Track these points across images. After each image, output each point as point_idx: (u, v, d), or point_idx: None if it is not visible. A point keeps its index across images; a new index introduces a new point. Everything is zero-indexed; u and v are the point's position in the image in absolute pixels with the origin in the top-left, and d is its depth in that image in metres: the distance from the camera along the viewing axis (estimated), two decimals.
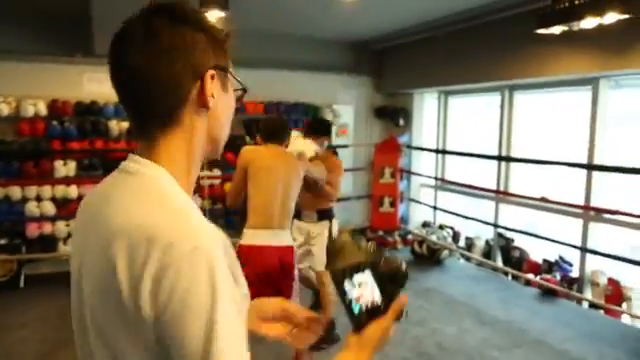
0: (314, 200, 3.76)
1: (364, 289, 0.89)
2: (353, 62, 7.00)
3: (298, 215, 3.78)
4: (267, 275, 2.79)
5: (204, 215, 0.77)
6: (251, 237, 2.83)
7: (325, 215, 3.89)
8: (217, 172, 5.94)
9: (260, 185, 2.86)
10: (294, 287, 2.93)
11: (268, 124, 3.11)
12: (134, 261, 0.69)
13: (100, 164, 5.51)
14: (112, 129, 5.55)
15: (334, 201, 3.95)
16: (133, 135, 0.87)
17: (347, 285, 0.88)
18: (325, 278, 3.68)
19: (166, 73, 0.78)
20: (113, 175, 0.85)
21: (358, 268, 0.90)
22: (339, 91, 6.94)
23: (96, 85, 5.59)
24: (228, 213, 5.95)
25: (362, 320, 0.88)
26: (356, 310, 0.88)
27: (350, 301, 0.88)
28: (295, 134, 3.63)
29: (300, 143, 3.59)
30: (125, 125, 5.58)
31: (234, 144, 5.60)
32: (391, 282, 0.91)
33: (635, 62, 3.97)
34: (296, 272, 2.97)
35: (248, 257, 2.74)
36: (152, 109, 0.80)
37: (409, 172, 6.98)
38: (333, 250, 0.92)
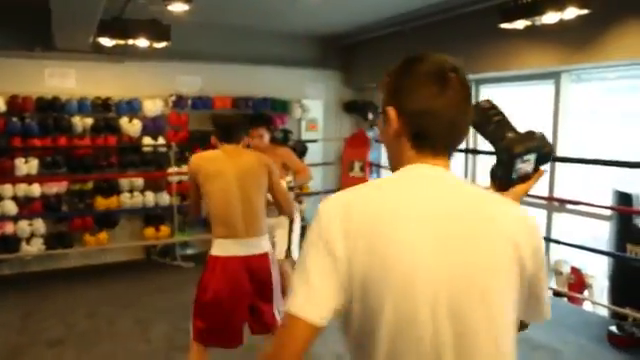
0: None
1: (527, 165, 1.19)
2: (322, 56, 6.99)
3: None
4: (238, 289, 2.63)
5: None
6: (218, 248, 2.67)
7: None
8: (186, 168, 5.84)
9: (214, 193, 2.64)
10: (274, 295, 2.75)
11: (221, 122, 2.83)
12: (531, 240, 0.99)
13: (64, 162, 5.38)
14: (76, 125, 5.40)
15: (309, 179, 3.94)
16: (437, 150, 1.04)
17: (518, 163, 1.18)
18: (287, 268, 3.63)
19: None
20: (439, 181, 1.03)
21: (531, 151, 1.18)
22: (308, 86, 6.92)
23: (58, 80, 5.45)
24: None
25: (513, 184, 1.19)
26: (514, 176, 1.19)
27: (513, 172, 1.18)
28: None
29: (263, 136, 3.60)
30: (89, 122, 5.46)
31: (204, 139, 5.57)
32: (544, 160, 1.21)
33: (594, 57, 4.09)
34: (275, 278, 2.76)
35: (215, 268, 2.63)
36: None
37: (378, 166, 7.02)
38: (498, 121, 1.22)
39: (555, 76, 4.84)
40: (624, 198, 4.14)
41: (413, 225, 0.94)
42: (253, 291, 2.67)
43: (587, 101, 4.87)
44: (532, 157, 1.19)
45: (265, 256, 2.72)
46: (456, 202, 0.99)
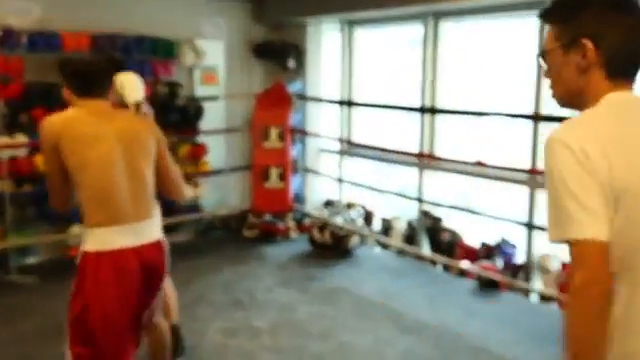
0: None
1: None
2: None
3: None
4: (132, 293, 2.69)
5: None
6: (98, 240, 2.63)
7: None
8: (22, 138, 5.51)
9: (89, 167, 2.62)
10: (160, 293, 2.95)
11: (76, 68, 2.76)
12: None
13: None
14: None
15: None
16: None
17: None
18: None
19: None
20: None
21: None
22: (203, 21, 6.77)
23: None
24: (41, 198, 5.52)
25: None
26: None
27: None
28: (122, 76, 3.38)
29: (132, 86, 3.43)
30: None
31: (49, 96, 5.20)
32: None
33: None
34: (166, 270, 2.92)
35: (98, 270, 2.60)
36: None
37: (304, 132, 6.97)
38: None
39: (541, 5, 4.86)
40: None
41: None
42: (144, 293, 2.77)
43: None
44: None
45: (158, 245, 2.82)
46: None
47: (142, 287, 2.74)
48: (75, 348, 2.65)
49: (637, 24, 1.49)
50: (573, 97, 1.58)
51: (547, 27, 1.68)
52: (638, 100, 1.53)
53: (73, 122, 2.67)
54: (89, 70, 2.75)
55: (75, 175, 2.63)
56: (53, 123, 2.65)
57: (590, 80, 1.51)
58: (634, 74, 1.55)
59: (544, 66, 1.65)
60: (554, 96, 1.64)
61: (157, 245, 2.81)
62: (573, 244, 1.40)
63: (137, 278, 2.70)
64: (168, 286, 3.61)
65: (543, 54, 1.64)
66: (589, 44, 1.48)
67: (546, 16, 1.64)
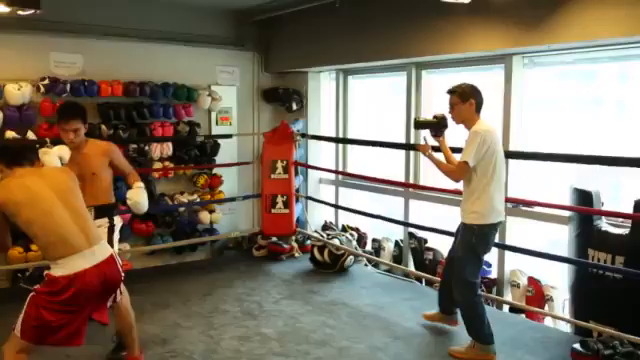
0: (87, 194, 3.49)
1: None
2: (235, 35, 6.88)
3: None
4: (90, 299, 2.94)
5: None
6: (69, 266, 2.86)
7: (105, 212, 3.83)
8: None
9: (37, 219, 2.86)
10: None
11: (5, 149, 3.21)
12: None
13: None
14: None
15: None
16: None
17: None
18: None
19: None
20: None
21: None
22: (219, 70, 6.84)
23: None
24: None
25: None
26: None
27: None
28: (43, 150, 3.62)
29: (54, 152, 3.60)
30: None
31: (92, 134, 5.25)
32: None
33: (549, 37, 4.23)
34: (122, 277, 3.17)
35: (68, 288, 2.83)
36: None
37: (306, 165, 6.98)
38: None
39: (505, 60, 4.99)
40: (584, 197, 4.31)
41: None
42: (101, 295, 3.02)
43: (541, 88, 5.06)
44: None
45: (110, 258, 3.06)
46: None
47: (98, 293, 2.96)
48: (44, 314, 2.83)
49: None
50: (464, 122, 3.82)
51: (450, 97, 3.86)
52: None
53: (13, 190, 2.88)
54: (14, 148, 3.32)
55: (30, 229, 2.86)
56: None
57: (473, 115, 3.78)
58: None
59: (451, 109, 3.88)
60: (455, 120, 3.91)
61: (109, 258, 3.03)
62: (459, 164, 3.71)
63: (96, 287, 2.93)
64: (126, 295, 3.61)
65: (451, 106, 3.87)
66: (473, 102, 3.76)
67: (452, 91, 3.87)
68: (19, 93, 5.31)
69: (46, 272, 2.98)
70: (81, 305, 2.91)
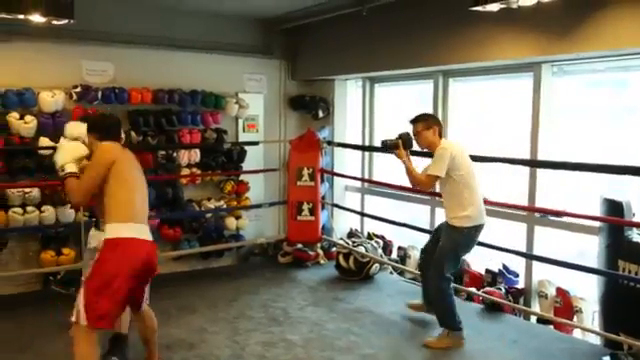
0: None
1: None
2: (262, 43, 6.94)
3: (97, 223, 3.71)
4: (141, 270, 3.17)
5: None
6: (125, 230, 3.15)
7: None
8: None
9: (126, 182, 3.27)
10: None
11: (100, 122, 3.59)
12: None
13: None
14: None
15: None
16: None
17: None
18: None
19: None
20: None
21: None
22: (246, 77, 6.90)
23: None
24: None
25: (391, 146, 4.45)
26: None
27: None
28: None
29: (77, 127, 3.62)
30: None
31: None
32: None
33: (578, 45, 4.20)
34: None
35: (126, 249, 3.12)
36: None
37: (332, 173, 6.99)
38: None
39: (534, 68, 4.95)
40: (614, 207, 4.24)
41: None
42: (145, 275, 3.27)
43: (571, 96, 5.00)
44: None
45: (155, 245, 3.34)
46: None
47: (145, 270, 3.21)
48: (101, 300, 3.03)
49: None
50: (429, 145, 4.30)
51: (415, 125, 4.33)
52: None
53: (120, 152, 3.38)
54: (109, 123, 3.58)
55: (114, 186, 3.21)
56: (111, 149, 3.34)
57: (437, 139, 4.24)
58: None
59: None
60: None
61: (155, 245, 3.34)
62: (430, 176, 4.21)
63: (144, 258, 3.18)
64: None
65: (416, 133, 4.34)
66: (436, 128, 4.34)
67: (415, 121, 4.35)
68: (52, 100, 5.43)
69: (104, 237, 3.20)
70: (123, 277, 3.06)
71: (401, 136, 4.44)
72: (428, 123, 4.30)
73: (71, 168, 3.36)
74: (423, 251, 4.90)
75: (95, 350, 3.11)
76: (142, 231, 3.23)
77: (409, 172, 4.37)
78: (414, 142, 4.42)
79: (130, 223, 3.18)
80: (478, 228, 4.27)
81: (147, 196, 3.43)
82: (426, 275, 4.59)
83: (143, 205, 3.34)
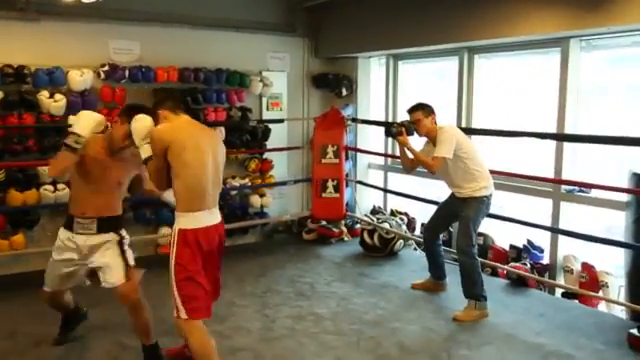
0: (100, 200, 3.45)
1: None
2: (285, 21, 6.94)
3: (69, 222, 3.50)
4: (215, 253, 3.20)
5: None
6: (191, 221, 3.05)
7: (110, 226, 3.52)
8: None
9: (187, 165, 3.02)
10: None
11: (170, 95, 3.57)
12: None
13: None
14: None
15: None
16: None
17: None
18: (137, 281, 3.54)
19: None
20: None
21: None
22: (269, 56, 6.91)
23: None
24: (137, 204, 5.70)
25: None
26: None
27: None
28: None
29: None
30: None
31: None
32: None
33: (609, 18, 4.16)
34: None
35: (196, 241, 3.04)
36: None
37: (356, 150, 7.03)
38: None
39: (562, 43, 4.92)
40: None
41: None
42: (219, 254, 3.26)
43: (599, 71, 4.97)
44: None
45: (222, 224, 3.28)
46: None
47: (218, 251, 3.24)
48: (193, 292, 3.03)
49: None
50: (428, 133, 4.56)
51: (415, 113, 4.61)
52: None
53: (178, 131, 3.09)
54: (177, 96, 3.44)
55: (178, 170, 3.03)
56: (165, 131, 3.06)
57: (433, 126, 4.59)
58: None
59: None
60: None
61: (222, 223, 3.26)
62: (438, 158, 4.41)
63: (216, 244, 3.18)
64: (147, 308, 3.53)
65: (416, 121, 4.61)
66: (433, 116, 4.61)
67: (415, 109, 4.65)
68: (81, 79, 5.51)
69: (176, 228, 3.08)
70: (201, 266, 3.08)
71: (403, 124, 4.67)
72: (426, 111, 4.57)
73: (146, 152, 3.11)
74: (427, 228, 5.08)
75: (207, 335, 3.09)
76: (209, 217, 3.12)
77: (417, 156, 4.63)
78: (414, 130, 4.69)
79: (197, 212, 3.05)
80: (491, 197, 4.58)
81: (220, 172, 3.21)
82: (434, 250, 5.00)
83: (212, 186, 3.12)
